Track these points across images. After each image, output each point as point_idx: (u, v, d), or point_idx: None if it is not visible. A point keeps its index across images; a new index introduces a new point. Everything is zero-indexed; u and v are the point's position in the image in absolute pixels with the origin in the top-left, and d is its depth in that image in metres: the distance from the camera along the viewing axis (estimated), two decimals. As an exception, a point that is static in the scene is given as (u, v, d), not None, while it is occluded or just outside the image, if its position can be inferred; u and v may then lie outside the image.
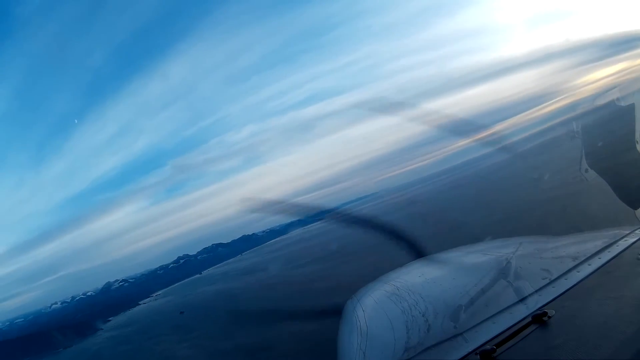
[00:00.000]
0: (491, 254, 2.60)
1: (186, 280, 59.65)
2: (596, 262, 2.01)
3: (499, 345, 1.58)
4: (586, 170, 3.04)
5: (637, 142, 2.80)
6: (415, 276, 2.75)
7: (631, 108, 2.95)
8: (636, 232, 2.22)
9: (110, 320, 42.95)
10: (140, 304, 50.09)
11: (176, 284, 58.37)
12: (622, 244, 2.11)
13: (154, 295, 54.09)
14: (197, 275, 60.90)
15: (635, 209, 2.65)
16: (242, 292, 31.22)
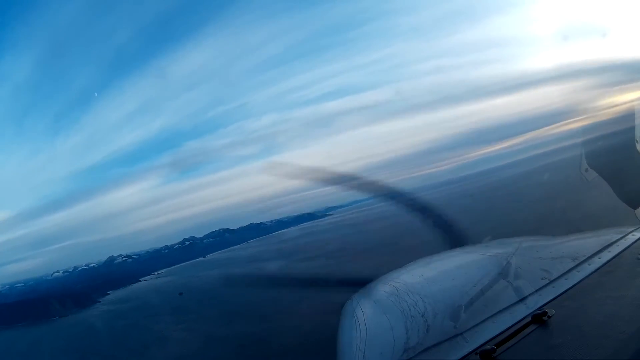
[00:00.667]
0: (491, 254, 2.60)
1: (189, 262, 59.40)
2: (596, 262, 2.01)
3: (499, 345, 1.58)
4: (586, 170, 3.03)
5: (637, 142, 2.80)
6: (415, 276, 2.75)
7: (631, 109, 2.95)
8: (636, 232, 2.22)
9: (109, 294, 42.89)
10: (140, 281, 49.82)
11: (179, 265, 58.24)
12: (622, 244, 2.11)
13: (156, 273, 53.65)
14: (201, 258, 60.52)
15: (635, 209, 2.65)
16: (243, 280, 31.28)
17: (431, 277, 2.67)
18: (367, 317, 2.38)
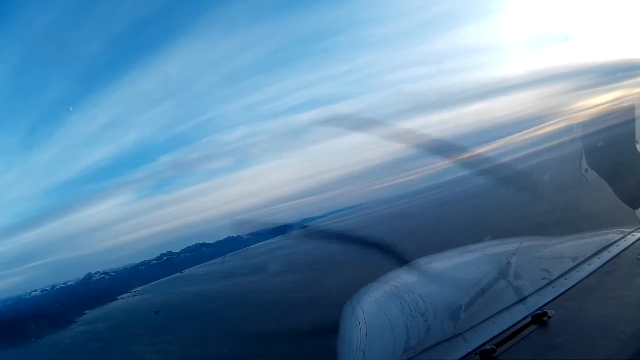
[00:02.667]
0: (491, 253, 2.60)
1: (167, 278, 59.20)
2: (596, 262, 2.01)
3: (499, 345, 1.58)
4: (586, 170, 3.03)
5: (637, 142, 2.80)
6: (415, 276, 2.75)
7: (631, 108, 2.95)
8: (636, 232, 2.23)
9: (85, 314, 42.80)
10: (118, 299, 49.69)
11: (156, 281, 58.12)
12: (622, 244, 2.11)
13: (133, 291, 53.60)
14: (178, 274, 60.49)
15: (635, 209, 2.65)
16: (219, 296, 31.20)
17: (431, 276, 2.67)
18: (367, 316, 2.38)
